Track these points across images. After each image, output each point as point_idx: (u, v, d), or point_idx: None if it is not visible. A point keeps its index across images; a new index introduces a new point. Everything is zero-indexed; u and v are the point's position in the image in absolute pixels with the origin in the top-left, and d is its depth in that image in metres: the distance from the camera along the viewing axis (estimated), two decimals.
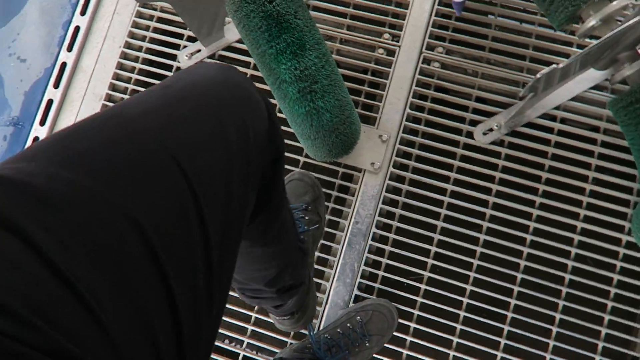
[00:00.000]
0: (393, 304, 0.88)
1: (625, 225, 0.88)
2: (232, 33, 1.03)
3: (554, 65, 0.64)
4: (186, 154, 0.31)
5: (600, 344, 0.84)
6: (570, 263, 0.88)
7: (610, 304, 0.85)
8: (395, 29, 1.01)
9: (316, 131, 0.82)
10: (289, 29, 0.73)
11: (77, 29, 1.08)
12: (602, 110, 0.93)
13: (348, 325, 0.86)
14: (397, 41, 1.00)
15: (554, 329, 0.86)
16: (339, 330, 0.85)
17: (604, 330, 0.85)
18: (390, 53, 1.00)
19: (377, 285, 0.91)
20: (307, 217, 0.83)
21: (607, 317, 0.85)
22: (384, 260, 0.92)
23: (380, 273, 0.92)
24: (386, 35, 1.00)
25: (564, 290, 0.87)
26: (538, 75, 0.64)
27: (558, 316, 0.86)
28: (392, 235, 0.93)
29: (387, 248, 0.93)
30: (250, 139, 0.38)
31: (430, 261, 0.91)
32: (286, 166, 0.95)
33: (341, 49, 1.02)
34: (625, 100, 0.69)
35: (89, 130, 0.30)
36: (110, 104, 1.03)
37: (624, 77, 0.71)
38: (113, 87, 1.06)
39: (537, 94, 0.79)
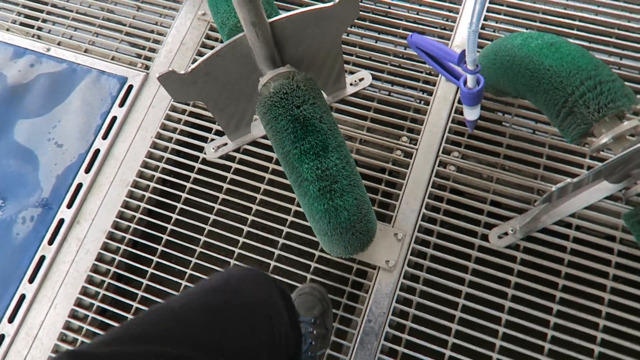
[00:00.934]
0: None
1: None
2: (257, 129, 1.32)
3: (568, 180, 0.86)
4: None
5: None
6: None
7: None
8: (413, 132, 1.28)
9: (333, 228, 1.04)
10: (313, 132, 0.99)
11: (114, 119, 1.39)
12: (617, 220, 1.13)
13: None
14: (415, 144, 1.26)
15: None
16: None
17: None
18: (408, 155, 1.25)
19: None
20: (315, 332, 1.00)
21: None
22: None
23: None
24: (404, 138, 1.27)
25: None
26: (553, 189, 0.86)
27: None
28: (405, 336, 1.07)
29: (400, 349, 1.07)
30: (275, 334, 0.64)
31: None
32: (299, 270, 1.17)
33: (360, 148, 1.28)
34: None
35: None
36: (136, 191, 1.31)
37: (637, 192, 0.92)
38: (140, 175, 1.33)
39: (552, 202, 1.02)
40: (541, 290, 1.07)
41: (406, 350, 1.06)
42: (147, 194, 1.27)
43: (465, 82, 0.92)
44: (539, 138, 1.20)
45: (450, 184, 1.19)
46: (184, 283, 1.18)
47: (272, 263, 1.17)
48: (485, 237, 1.13)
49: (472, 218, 1.15)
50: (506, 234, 1.12)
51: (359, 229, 1.02)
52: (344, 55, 1.25)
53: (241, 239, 1.20)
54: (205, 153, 1.29)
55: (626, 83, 0.91)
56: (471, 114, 1.02)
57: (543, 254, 1.10)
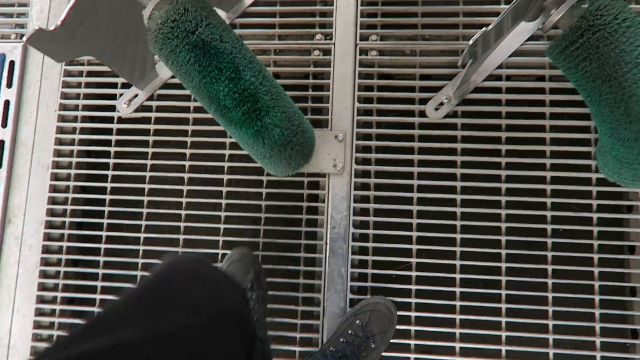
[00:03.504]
0: (389, 298, 1.06)
1: (591, 164, 1.08)
2: (165, 70, 1.21)
3: (485, 29, 0.83)
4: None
5: (596, 283, 1.03)
6: (549, 213, 1.06)
7: (595, 242, 1.04)
8: (326, 27, 1.19)
9: (270, 148, 1.00)
10: (217, 55, 0.91)
11: (7, 103, 1.26)
12: (543, 59, 1.12)
13: (349, 332, 1.00)
14: (331, 39, 1.18)
15: (549, 281, 1.03)
16: (341, 339, 1.01)
17: (596, 270, 1.04)
18: (327, 52, 1.15)
19: (368, 284, 1.07)
20: (254, 295, 0.99)
21: (596, 257, 1.04)
22: (370, 258, 1.06)
23: (369, 271, 1.08)
24: (318, 36, 1.20)
25: (549, 241, 1.02)
26: (471, 41, 0.82)
27: (550, 267, 1.03)
28: (371, 232, 1.07)
29: (370, 245, 1.07)
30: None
31: (414, 247, 1.05)
32: (252, 200, 1.14)
33: (277, 59, 1.20)
34: (561, 45, 0.87)
35: None
36: (59, 172, 1.21)
37: (554, 23, 0.90)
38: (58, 153, 1.21)
39: (477, 57, 0.99)
40: (486, 148, 1.08)
41: (375, 244, 1.07)
42: (73, 171, 1.18)
43: None
44: None
45: (376, 69, 1.14)
46: (140, 248, 1.13)
47: (223, 202, 1.13)
48: (423, 114, 1.11)
49: (406, 98, 1.12)
50: (442, 103, 1.10)
51: (297, 141, 0.98)
52: None
53: (184, 188, 1.15)
54: (118, 111, 1.20)
55: None
56: None
57: (481, 112, 1.10)
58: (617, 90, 0.82)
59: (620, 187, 1.04)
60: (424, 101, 1.11)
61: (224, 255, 1.11)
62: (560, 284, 1.02)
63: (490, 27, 0.77)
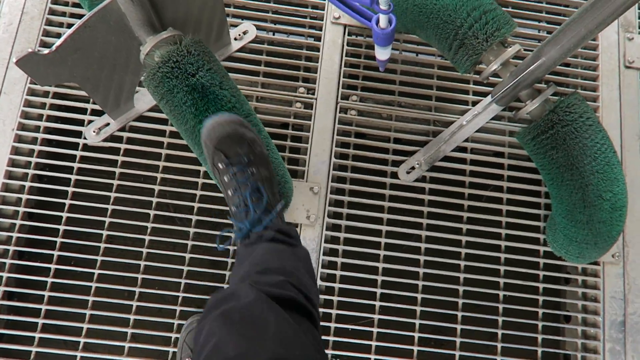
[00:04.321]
0: (350, 354, 1.08)
1: (539, 237, 1.19)
2: (142, 102, 1.17)
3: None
4: None
5: (539, 349, 1.13)
6: (502, 280, 1.15)
7: (540, 310, 1.15)
8: (309, 82, 1.23)
9: None
10: (216, 101, 0.91)
11: None
12: (503, 138, 1.24)
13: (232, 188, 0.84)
14: (313, 94, 1.22)
15: (499, 345, 1.12)
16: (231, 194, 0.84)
17: (539, 337, 1.14)
18: (308, 106, 1.21)
19: (330, 338, 1.08)
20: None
21: (540, 324, 1.14)
22: (334, 312, 1.07)
23: (332, 325, 1.10)
24: (301, 89, 1.23)
25: (500, 306, 1.12)
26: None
27: (500, 332, 1.11)
28: (337, 285, 1.08)
29: (335, 298, 1.09)
30: None
31: (377, 303, 1.09)
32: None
33: (259, 106, 1.21)
34: (533, 133, 0.97)
35: None
36: (7, 195, 1.11)
37: (527, 112, 1.00)
38: (9, 175, 1.13)
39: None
40: (450, 213, 1.16)
41: (340, 298, 1.09)
42: (24, 196, 1.10)
43: (377, 23, 0.90)
44: (426, 71, 1.24)
45: (354, 128, 1.20)
46: (93, 285, 1.07)
47: (189, 242, 1.10)
48: (395, 175, 1.17)
49: (379, 159, 1.18)
50: (413, 168, 1.17)
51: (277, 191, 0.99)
52: None
53: (149, 225, 1.10)
54: (85, 138, 1.14)
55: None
56: (383, 54, 1.01)
57: (447, 180, 1.17)
58: (577, 178, 0.93)
59: (563, 261, 1.14)
60: (396, 163, 1.18)
61: (181, 312, 1.07)
62: (508, 349, 1.09)
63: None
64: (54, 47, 0.80)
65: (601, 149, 0.91)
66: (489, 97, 1.12)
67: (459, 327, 1.10)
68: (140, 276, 1.08)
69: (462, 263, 1.13)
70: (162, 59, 0.86)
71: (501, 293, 1.12)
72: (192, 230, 1.11)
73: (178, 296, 1.08)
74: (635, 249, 1.16)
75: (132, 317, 1.06)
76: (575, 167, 0.92)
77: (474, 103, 1.22)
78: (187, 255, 1.09)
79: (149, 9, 0.86)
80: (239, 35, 1.22)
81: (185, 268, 1.09)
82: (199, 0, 0.97)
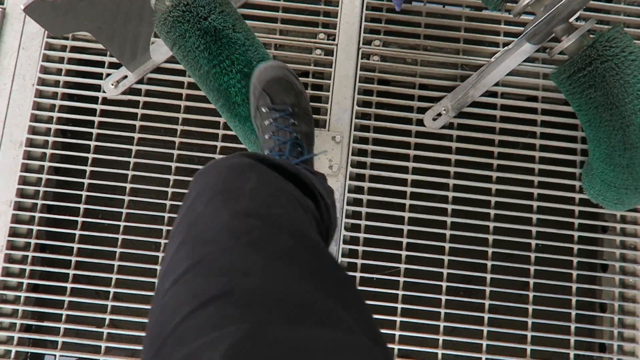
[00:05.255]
0: (377, 303, 1.07)
1: (575, 184, 1.14)
2: (158, 54, 1.16)
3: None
4: None
5: (574, 298, 1.09)
6: (534, 229, 1.11)
7: (575, 259, 1.10)
8: (329, 27, 1.18)
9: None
10: (229, 45, 0.88)
11: None
12: (537, 81, 1.17)
13: (265, 122, 0.84)
14: (333, 40, 1.19)
15: (530, 294, 1.09)
16: (267, 136, 0.84)
17: (574, 286, 1.10)
18: (329, 53, 1.16)
19: (357, 287, 1.09)
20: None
21: (575, 273, 1.10)
22: (359, 261, 1.06)
23: (358, 274, 1.09)
24: (321, 35, 1.19)
25: (532, 255, 1.09)
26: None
27: (532, 280, 1.09)
28: (362, 235, 1.07)
29: (360, 248, 1.07)
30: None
31: (403, 253, 1.07)
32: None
33: (277, 55, 1.18)
34: (568, 71, 0.91)
35: None
36: (32, 150, 1.13)
37: (562, 49, 0.94)
38: (33, 131, 1.14)
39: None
40: (479, 161, 1.11)
41: (365, 248, 1.08)
42: (48, 151, 1.11)
43: None
44: (454, 11, 1.18)
45: (377, 75, 1.15)
46: (120, 237, 1.08)
47: None
48: (420, 122, 1.13)
49: (404, 105, 1.14)
50: (440, 114, 1.12)
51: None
52: None
53: (171, 177, 1.10)
54: (104, 91, 1.14)
55: None
56: None
57: (476, 126, 1.13)
58: (617, 119, 0.87)
59: (600, 209, 1.09)
60: (421, 110, 1.13)
61: None
62: (540, 297, 1.06)
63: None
64: None
65: None
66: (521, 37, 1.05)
67: (488, 276, 1.07)
68: (164, 228, 1.09)
69: (492, 212, 1.09)
70: (172, 2, 0.83)
71: (533, 242, 1.08)
72: None
73: None
74: None
75: (158, 267, 1.07)
76: (616, 107, 0.86)
77: (505, 45, 1.15)
78: None
79: None
80: None
81: None
82: None
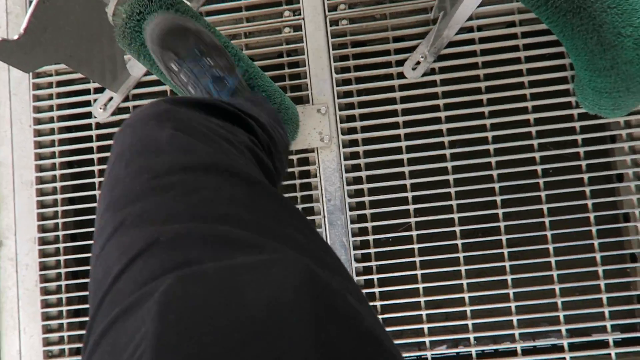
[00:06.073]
0: (395, 261, 1.10)
1: (571, 101, 1.11)
2: (137, 68, 1.21)
3: None
4: None
5: (591, 215, 1.07)
6: (537, 154, 1.09)
7: (585, 175, 1.08)
8: (293, 3, 1.20)
9: None
10: None
11: None
12: (512, 5, 1.14)
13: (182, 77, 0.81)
14: (299, 14, 1.19)
15: (546, 220, 1.06)
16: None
17: (589, 202, 1.06)
18: (297, 28, 1.15)
19: (371, 250, 1.07)
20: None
21: (587, 189, 1.07)
22: (369, 224, 1.08)
23: (370, 237, 1.10)
24: (287, 13, 1.19)
25: (540, 181, 1.07)
26: None
27: (545, 207, 1.06)
28: (367, 199, 1.09)
29: (367, 212, 1.08)
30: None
31: (411, 207, 1.07)
32: None
33: (249, 42, 1.20)
34: None
35: None
36: (44, 187, 1.20)
37: None
38: (40, 169, 1.21)
39: (447, 11, 1.01)
40: (469, 100, 1.10)
41: (372, 210, 1.09)
42: (58, 184, 1.17)
43: None
44: None
45: (349, 38, 1.15)
46: None
47: None
48: (401, 75, 1.12)
49: (382, 62, 1.13)
50: (418, 62, 1.12)
51: (281, 119, 0.99)
52: None
53: None
54: (95, 117, 1.19)
55: None
56: None
57: (458, 66, 1.11)
58: (588, 21, 0.84)
59: (602, 119, 1.07)
60: (400, 63, 1.13)
61: None
62: (556, 221, 1.05)
63: None
64: (21, 30, 0.82)
65: None
66: None
67: (500, 211, 1.07)
68: None
69: (491, 147, 1.08)
70: (127, 13, 0.85)
71: (539, 167, 1.07)
72: None
73: None
74: None
75: None
76: (583, 9, 0.83)
77: None
78: None
79: None
80: None
81: None
82: None
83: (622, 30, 0.84)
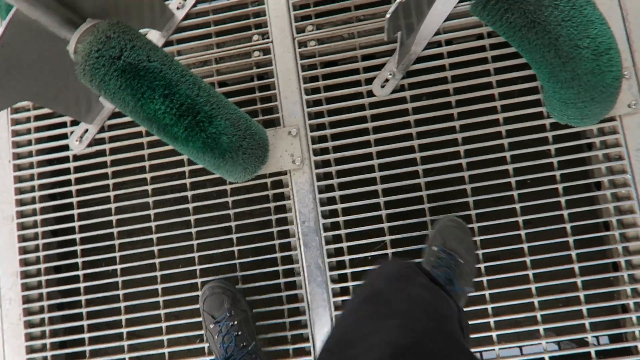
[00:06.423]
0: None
1: (542, 111, 1.09)
2: None
3: (398, 0, 0.85)
4: None
5: (567, 225, 1.05)
6: (511, 166, 1.05)
7: (560, 186, 1.05)
8: (261, 27, 1.21)
9: (222, 157, 1.00)
10: (147, 75, 0.90)
11: None
12: (476, 18, 1.14)
13: (432, 258, 1.00)
14: (268, 37, 1.20)
15: (522, 232, 1.03)
16: (431, 267, 0.99)
17: (565, 213, 1.04)
18: (266, 51, 1.15)
19: (347, 270, 1.06)
20: (235, 322, 1.03)
21: (563, 200, 1.04)
22: (344, 245, 1.07)
23: (346, 257, 1.09)
24: (256, 37, 1.20)
25: (515, 193, 1.04)
26: (388, 15, 0.84)
27: (520, 219, 1.03)
28: (341, 219, 1.08)
29: (342, 232, 1.07)
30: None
31: (385, 225, 1.06)
32: (218, 211, 1.15)
33: (220, 68, 1.20)
34: (482, 1, 0.90)
35: None
36: (25, 220, 1.21)
37: None
38: (21, 203, 1.22)
39: (403, 30, 1.01)
40: (440, 115, 1.10)
41: (347, 230, 1.09)
42: (39, 217, 1.19)
43: None
44: None
45: (318, 59, 1.16)
46: (119, 280, 1.15)
47: (192, 217, 1.14)
48: (371, 93, 1.13)
49: (352, 82, 1.14)
50: (387, 80, 1.12)
51: (247, 145, 1.00)
52: None
53: (151, 212, 1.16)
54: (72, 149, 1.20)
55: None
56: None
57: (427, 81, 1.11)
58: (543, 35, 0.84)
59: (576, 128, 1.06)
60: (370, 81, 1.13)
61: (202, 270, 1.13)
62: (533, 233, 1.05)
63: None
64: None
65: None
66: None
67: (475, 225, 1.06)
68: (157, 273, 1.14)
69: (464, 161, 1.08)
70: (85, 52, 0.87)
71: (513, 180, 1.06)
72: (191, 205, 1.15)
73: (195, 270, 1.13)
74: None
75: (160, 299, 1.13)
76: (537, 23, 0.83)
77: None
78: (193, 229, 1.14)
79: (60, 8, 0.86)
80: (180, 3, 1.20)
81: (195, 242, 1.13)
82: None
83: (579, 42, 0.84)
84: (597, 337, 1.05)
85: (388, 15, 0.78)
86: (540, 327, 1.03)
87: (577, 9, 0.82)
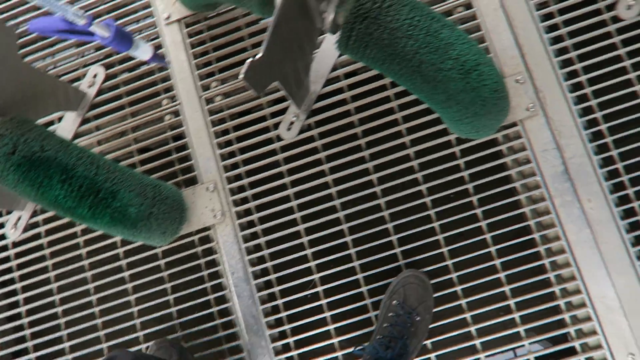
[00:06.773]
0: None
1: (445, 127, 1.11)
2: None
3: (249, 60, 0.82)
4: None
5: (487, 236, 1.07)
6: (424, 187, 1.07)
7: (474, 198, 1.07)
8: (169, 91, 1.25)
9: (133, 227, 1.02)
10: (42, 165, 0.92)
11: None
12: None
13: (390, 314, 1.00)
14: (176, 100, 1.24)
15: (449, 263, 1.08)
16: (385, 325, 0.99)
17: (482, 224, 1.07)
18: (177, 114, 1.19)
19: (283, 314, 1.08)
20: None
21: (479, 211, 1.06)
22: (276, 289, 1.09)
23: (280, 302, 1.10)
24: (165, 101, 1.23)
25: (432, 212, 1.06)
26: (241, 75, 0.77)
27: (445, 249, 1.07)
28: (269, 264, 1.10)
29: (272, 277, 1.10)
30: None
31: (312, 263, 1.08)
32: (154, 274, 1.18)
33: (137, 136, 1.22)
34: (342, 41, 0.91)
35: None
36: None
37: (330, 22, 0.91)
38: None
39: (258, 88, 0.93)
40: (349, 147, 1.12)
41: (276, 275, 1.11)
42: None
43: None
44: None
45: (227, 112, 1.20)
46: (69, 357, 1.17)
47: (129, 286, 1.17)
48: (280, 137, 1.15)
49: (261, 129, 1.17)
50: (292, 123, 1.15)
51: (159, 211, 1.03)
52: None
53: (90, 286, 1.19)
54: (8, 237, 1.24)
55: None
56: (143, 53, 1.00)
57: (332, 117, 1.14)
58: (405, 65, 0.87)
59: (480, 139, 1.07)
60: (278, 125, 1.16)
61: (144, 336, 1.15)
62: (456, 249, 1.06)
63: (256, 56, 0.79)
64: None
65: (413, 23, 0.84)
66: None
67: (397, 250, 1.08)
68: (101, 333, 1.16)
69: (377, 189, 1.10)
70: None
71: (428, 199, 1.08)
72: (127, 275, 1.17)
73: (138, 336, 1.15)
74: (549, 91, 1.06)
75: None
76: (396, 55, 0.86)
77: None
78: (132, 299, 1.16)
79: None
80: (91, 81, 1.25)
81: (135, 309, 1.16)
82: (14, 85, 0.99)
83: (442, 65, 0.87)
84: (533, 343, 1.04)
85: (241, 76, 0.79)
86: (477, 342, 1.03)
87: (432, 35, 0.85)
